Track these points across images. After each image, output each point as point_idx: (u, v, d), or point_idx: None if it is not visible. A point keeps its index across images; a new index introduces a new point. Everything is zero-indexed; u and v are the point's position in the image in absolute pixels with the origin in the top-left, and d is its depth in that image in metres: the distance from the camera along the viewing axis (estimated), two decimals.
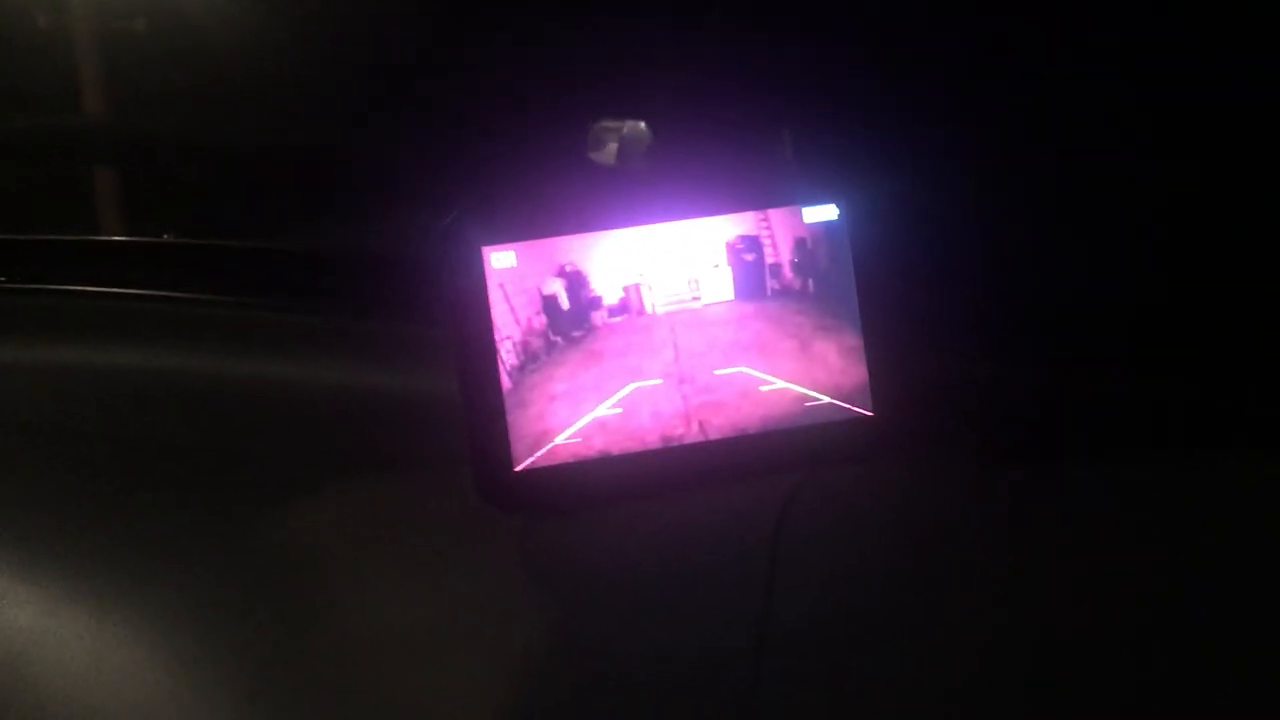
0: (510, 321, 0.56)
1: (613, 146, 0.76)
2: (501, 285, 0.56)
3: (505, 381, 0.55)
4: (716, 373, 0.57)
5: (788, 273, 0.57)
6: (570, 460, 0.56)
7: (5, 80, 1.05)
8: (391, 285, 0.78)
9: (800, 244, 0.57)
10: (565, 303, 0.56)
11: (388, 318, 0.76)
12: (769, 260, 0.57)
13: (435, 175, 0.84)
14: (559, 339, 0.56)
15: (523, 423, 0.56)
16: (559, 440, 0.56)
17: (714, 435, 0.57)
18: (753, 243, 0.57)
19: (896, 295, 0.57)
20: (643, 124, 0.74)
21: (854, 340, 0.57)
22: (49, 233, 0.94)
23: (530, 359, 0.56)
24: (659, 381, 0.57)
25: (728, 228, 0.57)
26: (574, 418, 0.56)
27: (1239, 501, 0.51)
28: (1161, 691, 0.41)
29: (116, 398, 0.76)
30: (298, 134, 0.93)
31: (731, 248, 0.57)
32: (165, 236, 0.97)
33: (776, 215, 0.57)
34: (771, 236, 0.57)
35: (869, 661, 0.44)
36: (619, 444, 0.56)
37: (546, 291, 0.56)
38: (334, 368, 0.74)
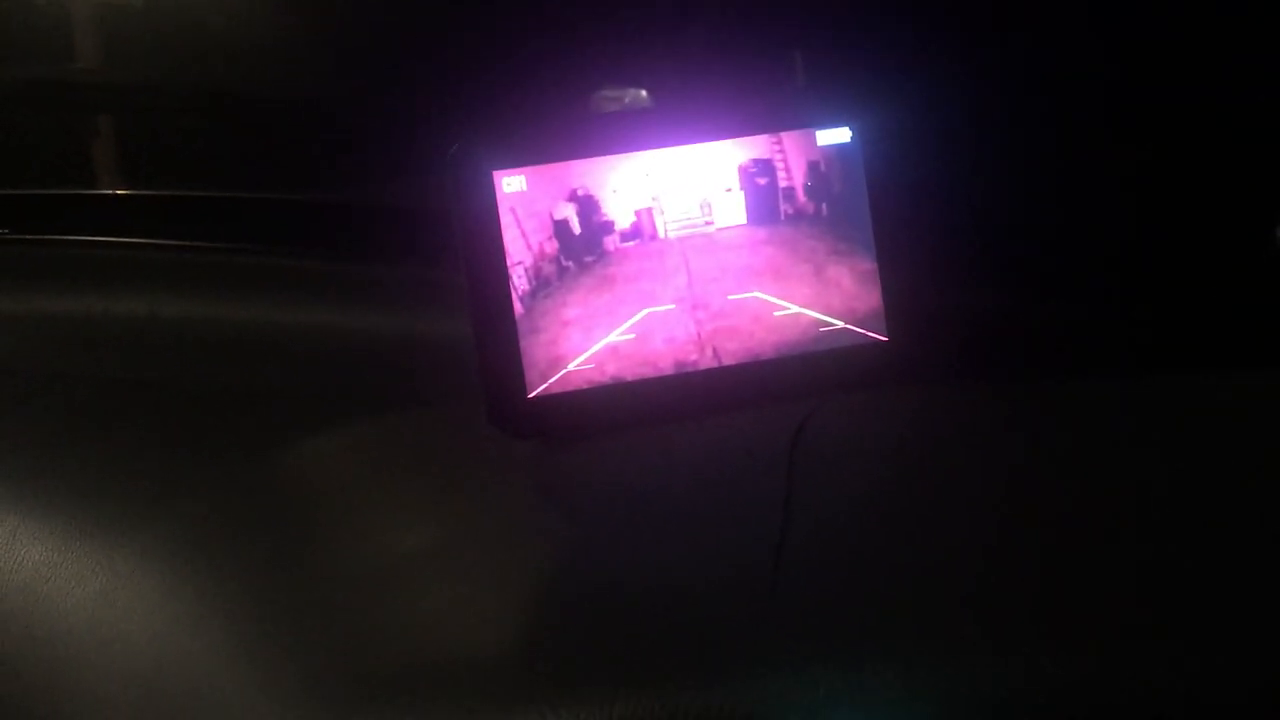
0: (522, 247, 0.55)
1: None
2: (513, 210, 0.55)
3: (518, 307, 0.55)
4: (730, 298, 0.56)
5: (801, 196, 0.57)
6: (583, 386, 0.55)
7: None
8: (399, 230, 0.77)
9: (813, 167, 0.57)
10: (577, 227, 0.56)
11: (395, 262, 0.76)
12: (782, 184, 0.57)
13: (442, 123, 0.84)
14: (571, 264, 0.56)
15: (536, 349, 0.55)
16: (572, 366, 0.55)
17: (727, 361, 0.56)
18: (765, 166, 0.57)
19: (911, 219, 0.57)
20: (644, 92, 0.74)
21: (868, 265, 0.57)
22: (55, 186, 0.94)
23: (542, 284, 0.55)
24: (672, 307, 0.56)
25: (740, 151, 0.56)
26: (587, 344, 0.56)
27: (1236, 416, 0.51)
28: (1159, 592, 0.41)
29: (125, 344, 0.75)
30: (302, 83, 0.92)
31: (744, 171, 0.57)
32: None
33: (789, 138, 0.57)
34: (784, 160, 0.57)
35: (882, 573, 0.44)
36: (632, 370, 0.56)
37: (558, 216, 0.56)
38: (343, 311, 0.73)
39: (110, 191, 0.96)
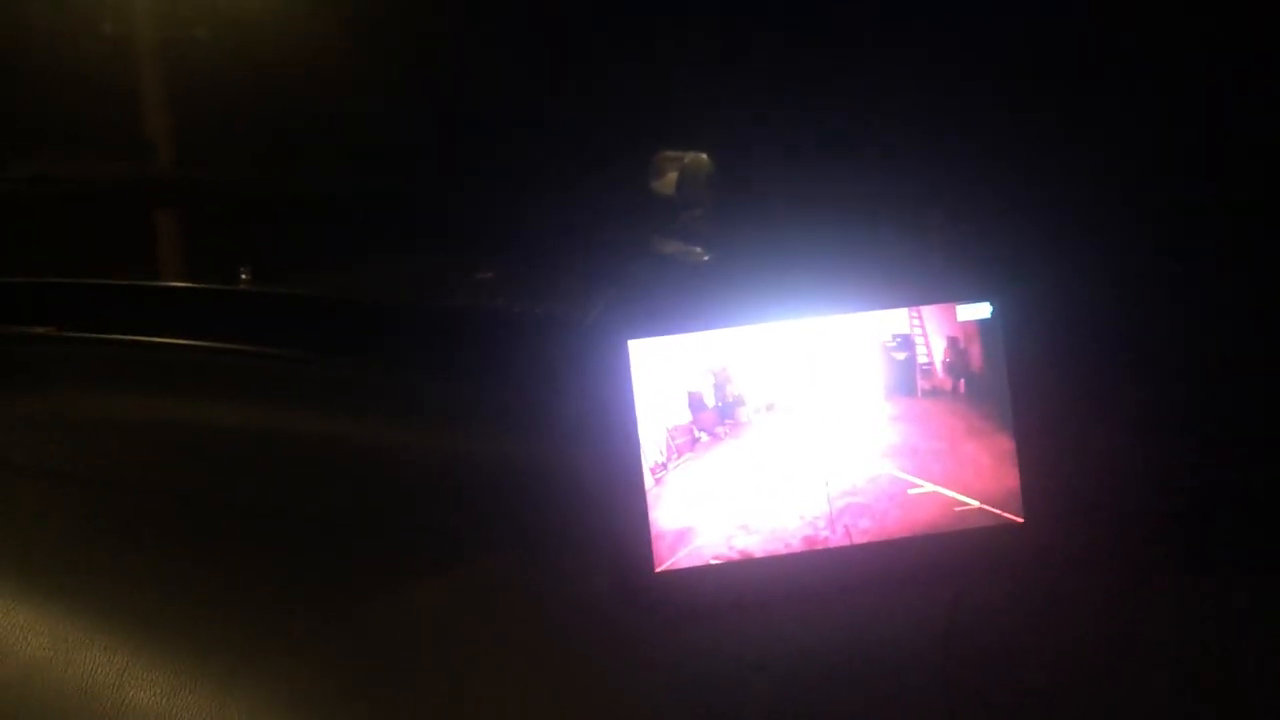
0: (654, 417, 0.54)
1: (673, 176, 0.74)
2: (646, 380, 0.54)
3: (648, 479, 0.54)
4: (863, 474, 0.55)
5: (939, 372, 0.55)
6: (712, 562, 0.54)
7: (64, 125, 1.03)
8: (517, 347, 0.75)
9: (953, 343, 0.55)
10: (710, 398, 0.54)
11: (514, 382, 0.73)
12: (920, 359, 0.55)
13: (546, 229, 0.83)
14: (703, 435, 0.54)
15: (664, 522, 0.54)
16: (700, 541, 0.54)
17: (859, 539, 0.55)
18: (904, 340, 0.55)
19: (1052, 398, 0.55)
20: (704, 155, 0.73)
21: (1006, 444, 0.55)
22: (106, 277, 0.92)
23: (673, 456, 0.54)
24: (804, 482, 0.55)
25: (878, 324, 0.55)
26: (717, 518, 0.54)
27: None
28: None
29: (213, 457, 0.74)
30: (379, 183, 0.91)
31: (882, 345, 0.55)
32: (243, 277, 0.96)
33: (929, 312, 0.55)
34: (923, 334, 0.55)
35: None
36: (762, 546, 0.54)
37: (691, 387, 0.54)
38: (454, 435, 0.71)
39: (178, 285, 0.94)
